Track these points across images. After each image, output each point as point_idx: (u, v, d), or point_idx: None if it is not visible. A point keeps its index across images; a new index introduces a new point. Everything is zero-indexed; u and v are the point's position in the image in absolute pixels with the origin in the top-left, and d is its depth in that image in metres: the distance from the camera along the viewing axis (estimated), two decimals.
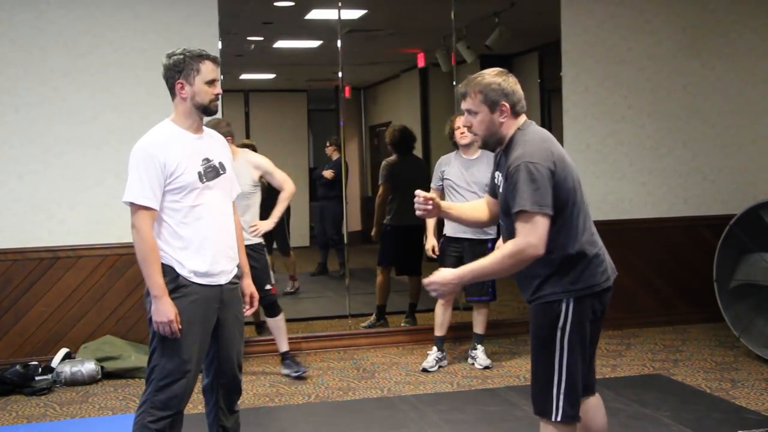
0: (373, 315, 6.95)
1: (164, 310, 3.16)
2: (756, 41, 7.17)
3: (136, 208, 3.19)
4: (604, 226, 6.85)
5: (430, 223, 5.83)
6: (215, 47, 6.06)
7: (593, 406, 3.18)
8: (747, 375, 5.39)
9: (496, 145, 3.03)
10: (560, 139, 6.97)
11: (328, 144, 9.04)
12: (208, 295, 3.28)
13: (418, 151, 10.25)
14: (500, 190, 3.01)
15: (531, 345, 3.03)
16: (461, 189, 5.66)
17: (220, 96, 3.32)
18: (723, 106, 7.13)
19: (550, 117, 8.91)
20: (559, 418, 2.93)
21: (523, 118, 3.01)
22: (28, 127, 5.91)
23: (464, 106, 3.03)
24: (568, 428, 2.96)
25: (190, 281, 3.25)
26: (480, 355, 5.78)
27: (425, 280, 2.97)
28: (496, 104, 2.95)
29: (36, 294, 5.89)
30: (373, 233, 7.14)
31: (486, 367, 5.69)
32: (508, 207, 2.91)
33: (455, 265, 5.68)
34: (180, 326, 3.19)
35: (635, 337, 6.47)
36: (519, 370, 5.65)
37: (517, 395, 5.02)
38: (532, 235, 2.80)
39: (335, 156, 8.94)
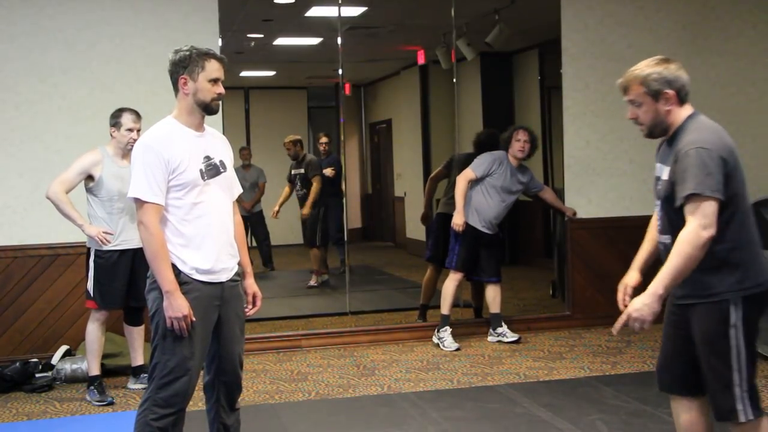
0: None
1: (178, 305, 3.16)
2: (756, 38, 7.16)
3: (143, 204, 3.19)
4: (604, 224, 6.92)
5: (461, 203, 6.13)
6: (215, 44, 6.06)
7: (703, 409, 3.11)
8: None
9: (662, 133, 2.98)
10: (560, 137, 6.97)
11: (319, 139, 9.02)
12: (210, 292, 3.29)
13: (417, 148, 10.31)
14: (661, 177, 2.96)
15: (700, 350, 2.93)
16: (501, 191, 6.17)
17: (222, 96, 3.32)
18: (723, 103, 7.12)
19: (550, 114, 8.92)
20: (749, 417, 2.87)
21: (689, 107, 2.96)
22: (29, 124, 5.91)
23: (627, 98, 3.00)
24: (760, 424, 2.90)
25: (192, 278, 3.25)
26: (507, 331, 6.31)
27: (628, 317, 2.85)
28: (659, 93, 2.91)
29: (36, 291, 5.89)
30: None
31: (516, 341, 6.25)
32: (671, 192, 2.87)
33: (474, 252, 6.14)
34: (194, 319, 3.20)
35: (635, 335, 6.47)
36: (519, 367, 5.66)
37: (517, 392, 5.02)
38: (701, 217, 2.74)
39: (328, 153, 8.94)
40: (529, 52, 9.53)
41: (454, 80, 7.37)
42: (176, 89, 3.31)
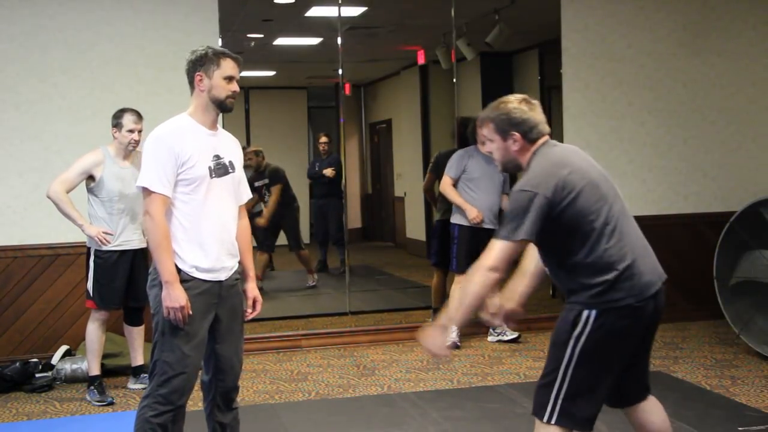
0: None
1: (176, 296, 3.18)
2: (756, 38, 7.17)
3: (150, 194, 3.22)
4: None
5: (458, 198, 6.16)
6: (215, 44, 6.04)
7: (644, 411, 3.14)
8: (747, 372, 5.39)
9: (515, 169, 3.08)
10: (560, 137, 6.96)
11: (320, 139, 9.00)
12: (208, 290, 3.31)
13: (417, 148, 10.31)
14: None
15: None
16: (482, 181, 6.12)
17: (236, 93, 3.36)
18: (723, 103, 7.13)
19: (550, 114, 8.87)
20: (551, 421, 2.92)
21: (541, 141, 3.03)
22: (29, 124, 5.91)
23: (483, 133, 3.14)
24: None
25: (191, 276, 3.27)
26: (506, 330, 6.28)
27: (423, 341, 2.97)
28: (507, 133, 3.02)
29: (36, 291, 5.89)
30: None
31: (515, 339, 6.29)
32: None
33: (473, 253, 6.09)
34: (191, 312, 3.22)
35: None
36: (519, 367, 5.66)
37: (517, 392, 5.03)
38: (492, 259, 2.91)
39: (328, 153, 8.94)
40: (529, 52, 9.52)
41: (454, 80, 7.37)
42: (192, 87, 3.36)
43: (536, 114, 3.03)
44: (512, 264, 3.01)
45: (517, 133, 3.00)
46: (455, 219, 6.24)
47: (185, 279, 3.26)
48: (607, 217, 2.92)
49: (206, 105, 3.34)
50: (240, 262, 3.50)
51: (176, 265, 3.25)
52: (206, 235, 3.29)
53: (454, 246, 6.27)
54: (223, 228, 3.35)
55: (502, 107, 3.04)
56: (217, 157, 3.34)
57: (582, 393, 2.91)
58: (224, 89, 3.32)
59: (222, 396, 3.46)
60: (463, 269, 6.24)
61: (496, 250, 2.91)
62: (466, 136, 6.68)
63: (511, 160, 3.06)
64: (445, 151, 6.82)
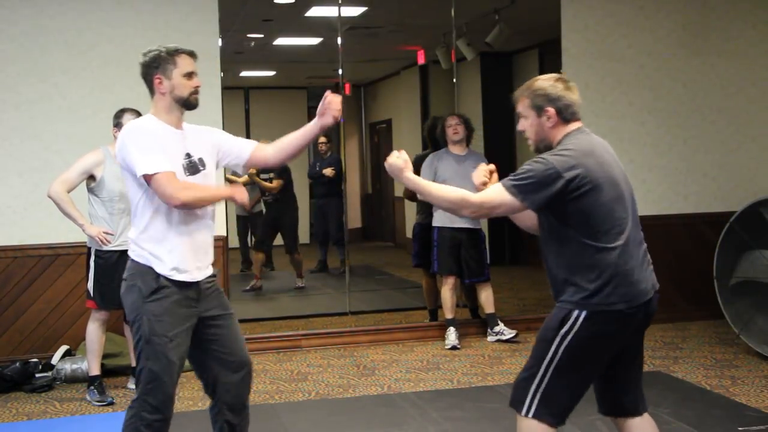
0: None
1: (238, 190, 3.28)
2: (756, 38, 7.17)
3: (162, 175, 3.09)
4: None
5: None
6: (215, 44, 6.07)
7: (634, 429, 3.12)
8: (747, 372, 5.39)
9: (546, 149, 3.01)
10: None
11: (318, 139, 9.00)
12: (186, 293, 3.21)
13: (417, 148, 10.31)
14: None
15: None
16: (454, 181, 5.83)
17: (198, 88, 3.28)
18: (723, 103, 7.13)
19: None
20: (529, 414, 2.95)
21: (576, 124, 3.01)
22: (29, 124, 5.91)
23: (517, 109, 3.08)
24: (537, 426, 2.95)
25: (171, 279, 3.17)
26: (504, 329, 6.31)
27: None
28: (542, 109, 2.98)
29: (36, 291, 5.89)
30: None
31: (513, 338, 6.26)
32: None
33: (454, 254, 6.20)
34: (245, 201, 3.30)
35: None
36: (519, 367, 5.61)
37: None
38: (486, 198, 2.90)
39: (328, 153, 8.94)
40: (529, 52, 9.53)
41: (454, 80, 7.37)
42: (152, 90, 3.27)
43: (572, 94, 3.01)
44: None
45: (552, 109, 2.96)
46: (436, 222, 6.30)
47: (165, 285, 3.16)
48: (618, 218, 2.89)
49: (170, 106, 3.25)
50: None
51: (154, 270, 3.16)
52: (182, 234, 3.20)
53: (435, 248, 6.33)
54: (198, 226, 3.26)
55: (537, 84, 3.01)
56: (188, 155, 3.26)
57: (560, 391, 2.93)
58: (186, 87, 3.23)
59: (235, 397, 3.36)
60: (444, 271, 6.32)
61: (500, 198, 2.86)
62: (435, 138, 6.68)
63: (543, 138, 3.01)
64: (420, 155, 6.82)
